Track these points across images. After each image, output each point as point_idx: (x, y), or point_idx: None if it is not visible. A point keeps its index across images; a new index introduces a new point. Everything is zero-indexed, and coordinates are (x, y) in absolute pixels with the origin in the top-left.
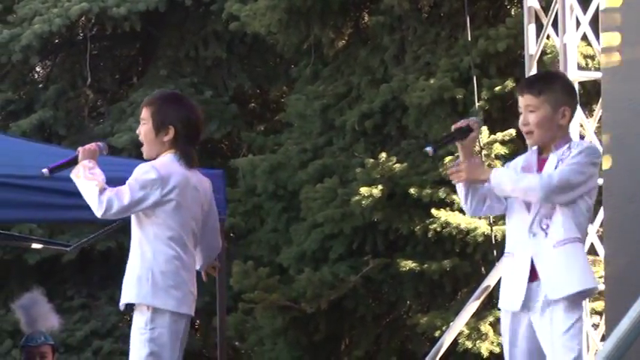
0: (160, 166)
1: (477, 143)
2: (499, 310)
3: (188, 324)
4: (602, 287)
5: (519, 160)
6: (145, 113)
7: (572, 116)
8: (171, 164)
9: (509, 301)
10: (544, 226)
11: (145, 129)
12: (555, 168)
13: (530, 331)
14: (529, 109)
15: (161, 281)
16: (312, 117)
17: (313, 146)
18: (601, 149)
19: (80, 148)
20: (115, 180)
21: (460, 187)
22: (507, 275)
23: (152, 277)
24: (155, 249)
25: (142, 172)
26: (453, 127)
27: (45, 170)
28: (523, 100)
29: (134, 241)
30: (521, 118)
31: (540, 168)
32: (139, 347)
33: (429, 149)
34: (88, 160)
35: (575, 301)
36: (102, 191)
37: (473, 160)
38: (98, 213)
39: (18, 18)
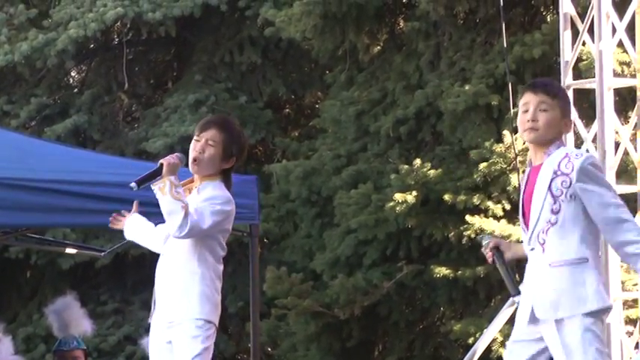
0: (231, 199)
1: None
2: None
3: None
4: (638, 295)
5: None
6: (216, 136)
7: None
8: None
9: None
10: (541, 241)
11: (213, 152)
12: (551, 180)
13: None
14: (541, 107)
15: (216, 298)
16: (347, 123)
17: (347, 152)
18: (637, 156)
19: (163, 161)
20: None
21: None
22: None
23: (213, 295)
24: (213, 267)
25: (223, 201)
26: None
27: (133, 184)
28: (536, 98)
29: (185, 256)
30: (529, 114)
31: (534, 176)
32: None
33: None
34: (174, 177)
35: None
36: (187, 213)
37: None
38: (178, 232)
39: (53, 22)
